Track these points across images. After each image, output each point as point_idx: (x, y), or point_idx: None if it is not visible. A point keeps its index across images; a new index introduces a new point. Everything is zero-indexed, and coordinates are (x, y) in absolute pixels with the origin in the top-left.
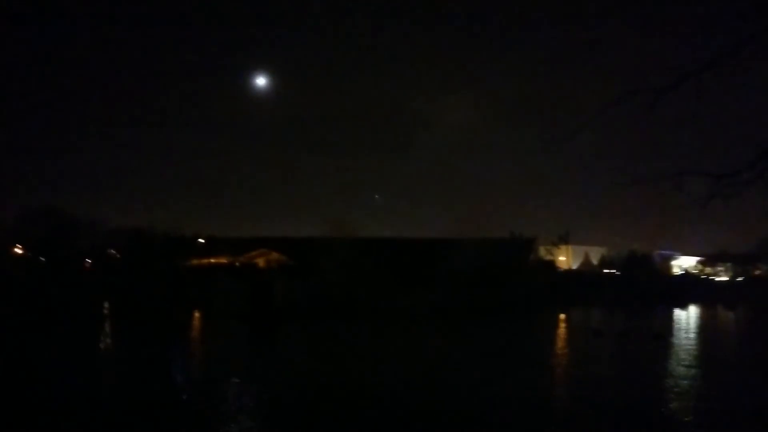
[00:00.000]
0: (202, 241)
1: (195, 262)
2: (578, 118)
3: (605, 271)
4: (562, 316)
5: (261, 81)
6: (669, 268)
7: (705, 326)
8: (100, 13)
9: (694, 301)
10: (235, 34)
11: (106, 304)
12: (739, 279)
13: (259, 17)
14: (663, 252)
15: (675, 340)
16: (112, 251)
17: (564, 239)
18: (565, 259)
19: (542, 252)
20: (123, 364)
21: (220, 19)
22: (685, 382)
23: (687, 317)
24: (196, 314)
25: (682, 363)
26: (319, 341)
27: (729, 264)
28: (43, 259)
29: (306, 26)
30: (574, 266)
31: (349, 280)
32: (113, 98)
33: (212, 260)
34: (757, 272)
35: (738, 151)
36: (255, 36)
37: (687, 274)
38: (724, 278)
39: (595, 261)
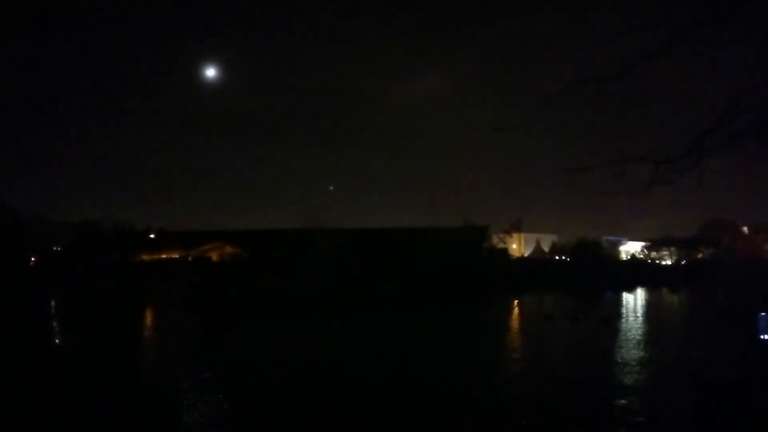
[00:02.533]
0: (153, 235)
1: (146, 256)
2: (528, 107)
3: (556, 257)
4: (515, 301)
5: (211, 72)
6: (617, 253)
7: (651, 309)
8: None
9: (641, 285)
10: (187, 24)
11: (53, 302)
12: (683, 262)
13: (208, 8)
14: (610, 238)
15: (623, 323)
16: (58, 247)
17: (516, 227)
18: (517, 246)
19: (495, 240)
20: (72, 361)
21: (171, 8)
22: (632, 360)
23: (634, 300)
24: (148, 310)
25: (629, 343)
26: (273, 334)
27: (673, 248)
28: None
29: (259, 14)
30: (526, 254)
31: (303, 270)
32: (60, 90)
33: (164, 255)
34: (700, 255)
35: (676, 138)
36: (206, 25)
37: (633, 259)
38: (669, 262)
39: (546, 248)
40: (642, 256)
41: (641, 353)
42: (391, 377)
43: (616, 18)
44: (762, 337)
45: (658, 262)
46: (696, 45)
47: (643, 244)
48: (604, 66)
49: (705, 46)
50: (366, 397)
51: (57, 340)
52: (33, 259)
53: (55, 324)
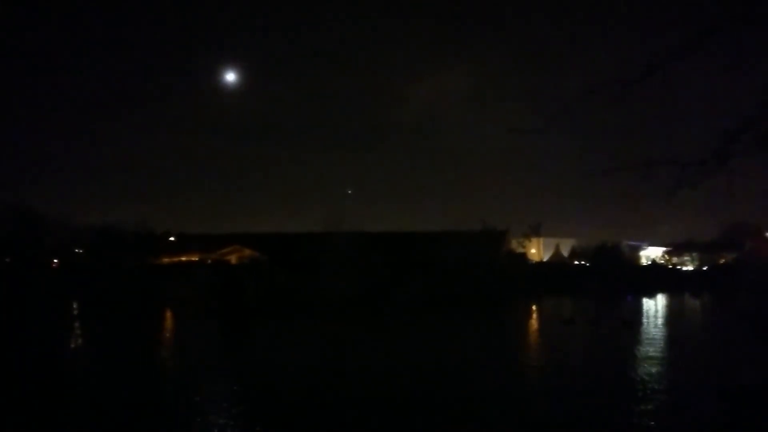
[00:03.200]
0: (173, 238)
1: (166, 259)
2: (550, 110)
3: (575, 262)
4: (534, 306)
5: (231, 76)
6: (637, 258)
7: (671, 314)
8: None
9: (662, 290)
10: (207, 27)
11: (75, 305)
12: (705, 267)
13: (227, 11)
14: (631, 243)
15: (643, 327)
16: (80, 250)
17: (535, 231)
18: (536, 251)
19: (514, 244)
20: (96, 363)
21: (190, 15)
22: (653, 366)
23: (655, 306)
24: (168, 312)
25: (649, 348)
26: (291, 337)
27: (695, 253)
28: (7, 259)
29: (275, 19)
30: (545, 258)
31: (322, 274)
32: (80, 94)
33: (183, 257)
34: (722, 261)
35: (702, 141)
36: (226, 28)
37: (654, 264)
38: (690, 267)
39: (565, 253)
40: (663, 261)
41: (663, 361)
42: (409, 383)
43: (640, 20)
44: None
45: (679, 267)
46: (722, 45)
47: (664, 248)
48: (628, 68)
49: (731, 47)
50: (388, 403)
51: (78, 342)
52: (56, 261)
53: (76, 326)
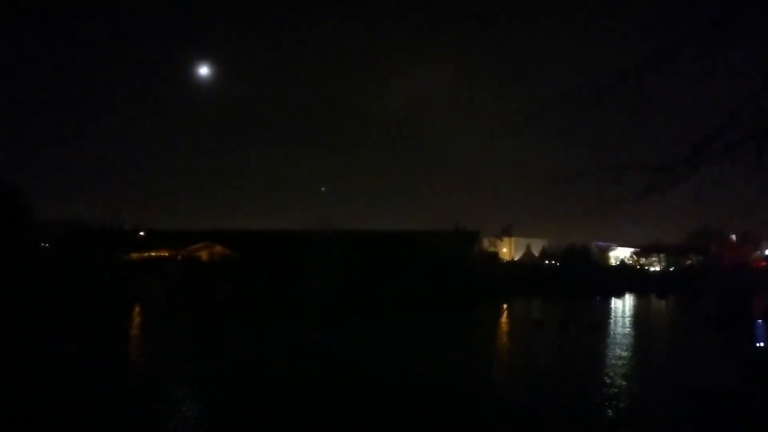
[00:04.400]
0: (143, 234)
1: (135, 255)
2: (525, 112)
3: (546, 262)
4: (505, 306)
5: (204, 70)
6: (606, 259)
7: (638, 315)
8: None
9: (630, 291)
10: (183, 20)
11: (42, 299)
12: (672, 269)
13: (206, 4)
14: (600, 243)
15: (611, 329)
16: (46, 244)
17: (507, 232)
18: (507, 250)
19: (486, 244)
20: (62, 361)
21: (163, 7)
22: (619, 367)
23: (623, 306)
24: (137, 308)
25: (617, 350)
26: (262, 335)
27: (662, 255)
28: None
29: (254, 13)
30: (516, 258)
31: (293, 272)
32: (49, 85)
33: (153, 253)
34: (688, 262)
35: (673, 146)
36: (203, 21)
37: (623, 265)
38: (657, 268)
39: (536, 253)
40: (631, 262)
41: (631, 362)
42: (373, 382)
43: (614, 26)
44: (758, 344)
45: (647, 268)
46: (696, 51)
47: (632, 250)
48: (602, 73)
49: (704, 53)
50: (352, 402)
51: (45, 337)
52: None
53: (40, 323)
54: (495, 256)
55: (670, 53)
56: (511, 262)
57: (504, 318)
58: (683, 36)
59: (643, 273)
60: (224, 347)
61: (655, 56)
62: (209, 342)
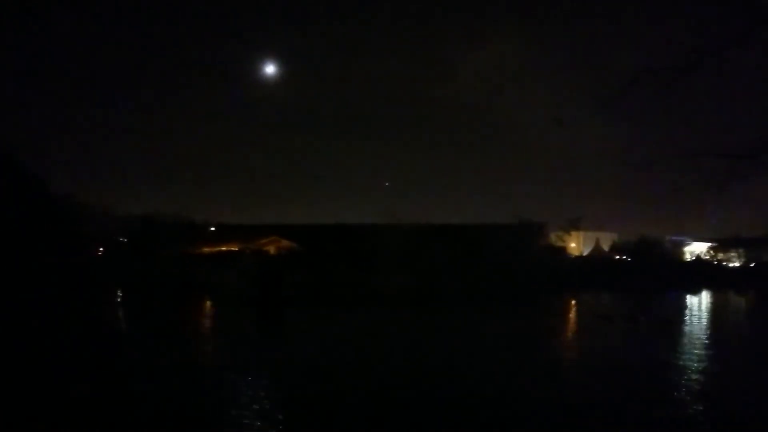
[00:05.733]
0: (213, 228)
1: (205, 249)
2: (594, 100)
3: (616, 257)
4: (573, 301)
5: (270, 68)
6: (681, 253)
7: (715, 312)
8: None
9: (706, 287)
10: (248, 17)
11: (119, 292)
12: (752, 264)
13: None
14: (674, 238)
15: (685, 326)
16: (123, 239)
17: (575, 225)
18: (575, 245)
19: (553, 238)
20: (138, 350)
21: (228, 7)
22: (694, 365)
23: (698, 303)
24: (207, 300)
25: (691, 347)
26: (328, 328)
27: (741, 249)
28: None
29: (313, 4)
30: (585, 252)
31: (360, 266)
32: (123, 86)
33: (223, 247)
34: None
35: (754, 132)
36: (267, 17)
37: (699, 260)
38: (736, 264)
39: (606, 247)
40: (708, 257)
41: (705, 361)
42: (446, 375)
43: (692, 7)
44: None
45: (725, 263)
46: None
47: (709, 244)
48: (678, 56)
49: None
50: (408, 401)
51: (122, 329)
52: (101, 249)
53: (120, 313)
54: (562, 250)
55: (750, 34)
56: (580, 257)
57: (571, 313)
58: (765, 17)
59: (721, 268)
60: (297, 337)
61: (735, 37)
62: (282, 331)
